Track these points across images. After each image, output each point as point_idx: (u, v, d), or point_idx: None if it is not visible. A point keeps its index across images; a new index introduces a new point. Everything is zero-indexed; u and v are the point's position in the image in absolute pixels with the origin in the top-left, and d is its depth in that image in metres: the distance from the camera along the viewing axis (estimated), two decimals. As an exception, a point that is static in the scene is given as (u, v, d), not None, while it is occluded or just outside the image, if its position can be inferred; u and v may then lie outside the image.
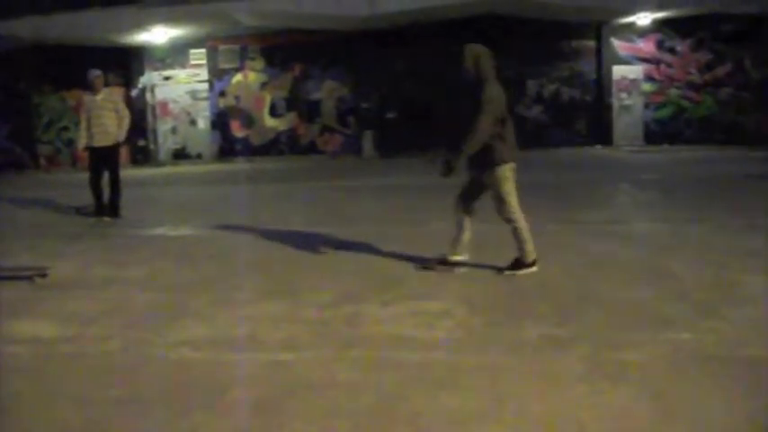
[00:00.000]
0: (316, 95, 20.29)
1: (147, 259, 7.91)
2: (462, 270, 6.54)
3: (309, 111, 20.38)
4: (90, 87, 10.86)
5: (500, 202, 6.31)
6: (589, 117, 20.35)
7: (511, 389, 3.85)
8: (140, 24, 18.45)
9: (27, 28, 18.17)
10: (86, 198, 11.13)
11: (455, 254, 6.56)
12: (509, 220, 6.30)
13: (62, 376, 4.51)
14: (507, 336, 4.72)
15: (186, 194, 13.70)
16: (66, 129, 21.94)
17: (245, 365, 4.50)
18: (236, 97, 20.93)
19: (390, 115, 19.86)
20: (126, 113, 10.94)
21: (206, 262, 7.58)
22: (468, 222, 6.54)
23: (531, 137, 19.09)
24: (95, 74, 10.86)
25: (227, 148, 21.02)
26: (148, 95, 21.04)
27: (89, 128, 10.67)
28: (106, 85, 11.30)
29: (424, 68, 19.20)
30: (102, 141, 10.64)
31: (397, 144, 19.35)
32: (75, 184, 15.80)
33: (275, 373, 4.30)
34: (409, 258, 7.08)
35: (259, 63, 20.77)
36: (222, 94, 21.04)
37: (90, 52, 19.39)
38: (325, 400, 3.84)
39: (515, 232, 6.30)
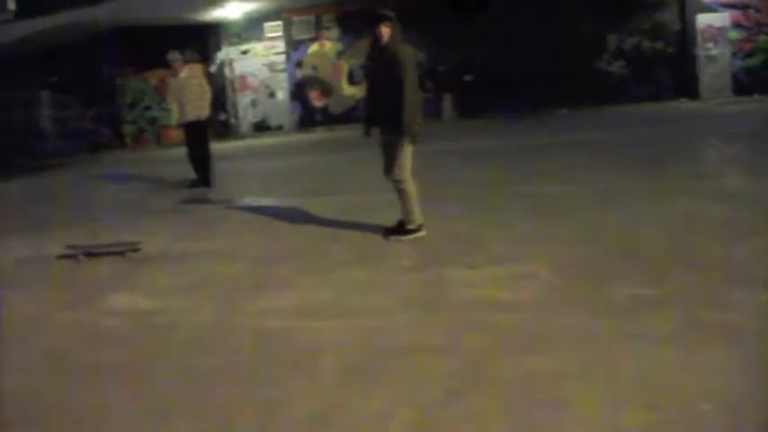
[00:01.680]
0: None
1: (233, 232, 8.05)
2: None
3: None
4: (174, 66, 11.42)
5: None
6: (673, 70, 19.64)
7: (599, 351, 3.79)
8: (215, 1, 18.60)
9: (106, 12, 18.49)
10: (180, 172, 11.46)
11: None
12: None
13: (157, 347, 4.64)
14: (595, 297, 4.64)
15: (268, 166, 13.83)
16: (148, 108, 22.38)
17: (333, 332, 4.54)
18: (314, 67, 20.98)
19: (468, 78, 19.66)
20: (207, 89, 11.50)
21: (290, 232, 7.66)
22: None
23: (613, 92, 18.65)
24: (175, 57, 11.44)
25: (307, 119, 21.12)
26: (227, 70, 21.27)
27: (179, 106, 11.27)
28: (185, 62, 11.67)
29: (501, 28, 18.94)
30: (191, 117, 11.25)
31: (476, 106, 19.17)
32: (160, 161, 16.17)
33: (363, 339, 4.34)
34: (490, 222, 7.01)
35: (334, 32, 20.76)
36: (299, 64, 21.12)
37: (168, 32, 19.68)
38: (414, 365, 3.86)
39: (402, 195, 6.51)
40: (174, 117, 11.67)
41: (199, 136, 11.47)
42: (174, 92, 11.49)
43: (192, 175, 11.67)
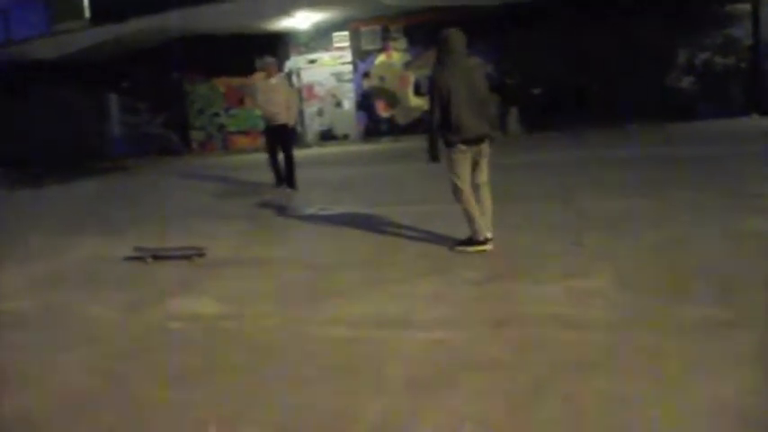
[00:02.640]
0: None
1: (301, 239, 8.06)
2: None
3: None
4: (266, 72, 11.92)
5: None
6: (745, 86, 19.17)
7: (671, 372, 3.69)
8: (284, 10, 18.75)
9: (177, 20, 18.77)
10: (248, 178, 11.58)
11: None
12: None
13: (225, 351, 4.65)
14: (665, 316, 4.52)
15: (336, 175, 13.86)
16: (216, 115, 22.66)
17: (400, 344, 4.51)
18: (381, 77, 21.02)
19: (535, 91, 19.48)
20: (295, 96, 11.78)
21: (357, 241, 7.65)
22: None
23: (683, 108, 18.23)
24: (270, 60, 11.99)
25: (373, 128, 21.16)
26: (294, 79, 21.41)
27: (269, 109, 11.73)
28: (254, 71, 12.17)
29: (569, 42, 18.71)
30: (281, 121, 11.67)
31: (542, 120, 18.95)
32: (227, 167, 16.32)
33: (430, 352, 4.31)
34: (558, 236, 6.89)
35: (402, 42, 20.77)
36: (366, 74, 21.17)
37: (237, 40, 19.93)
38: (481, 380, 3.82)
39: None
40: (266, 119, 11.94)
41: (286, 140, 11.84)
42: (262, 94, 11.84)
43: (270, 179, 12.09)
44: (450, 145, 6.56)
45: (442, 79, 6.52)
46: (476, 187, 6.69)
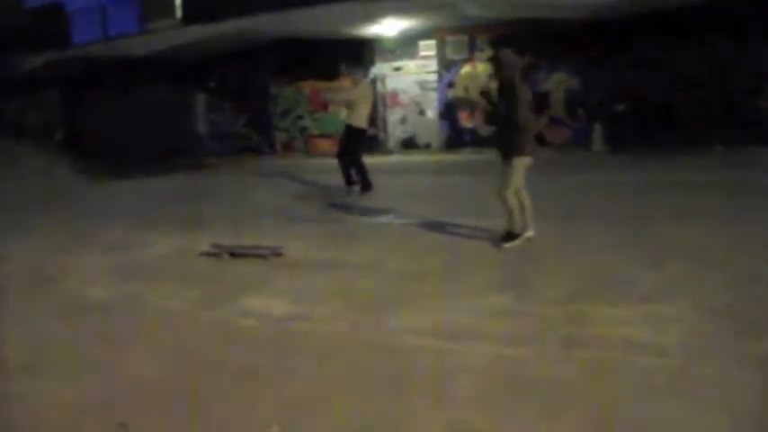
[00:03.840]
0: (545, 86, 19.90)
1: (375, 245, 8.04)
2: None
3: (538, 102, 19.88)
4: (358, 79, 12.56)
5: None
6: None
7: (746, 405, 3.57)
8: (372, 17, 18.81)
9: (267, 23, 19.00)
10: (328, 182, 12.22)
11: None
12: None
13: (291, 352, 4.69)
14: (743, 347, 4.40)
15: (414, 183, 13.85)
16: (300, 117, 22.83)
17: (467, 357, 4.50)
18: (465, 88, 20.91)
19: (620, 107, 19.10)
20: (372, 105, 12.88)
21: (432, 251, 7.63)
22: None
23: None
24: (346, 69, 12.79)
25: (455, 139, 21.04)
26: (379, 86, 21.47)
27: (354, 112, 12.12)
28: (339, 76, 12.60)
29: (656, 59, 18.32)
30: (362, 125, 12.15)
31: (626, 138, 18.58)
32: (308, 170, 16.47)
33: (499, 367, 4.30)
34: (637, 259, 6.74)
35: (487, 54, 20.60)
36: (451, 84, 21.06)
37: (324, 45, 20.08)
38: (548, 400, 3.81)
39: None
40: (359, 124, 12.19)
41: (359, 144, 12.23)
42: (365, 98, 12.19)
43: (354, 183, 12.32)
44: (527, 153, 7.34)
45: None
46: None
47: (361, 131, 12.13)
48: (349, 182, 12.17)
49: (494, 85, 7.47)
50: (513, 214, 7.38)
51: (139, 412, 3.85)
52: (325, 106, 21.66)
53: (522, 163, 7.29)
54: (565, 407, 3.66)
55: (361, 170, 12.11)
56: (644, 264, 6.52)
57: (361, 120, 12.00)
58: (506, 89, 7.22)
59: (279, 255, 7.43)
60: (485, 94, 7.58)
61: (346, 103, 12.30)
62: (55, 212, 11.77)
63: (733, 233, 7.60)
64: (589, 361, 4.27)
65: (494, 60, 7.46)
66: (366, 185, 12.09)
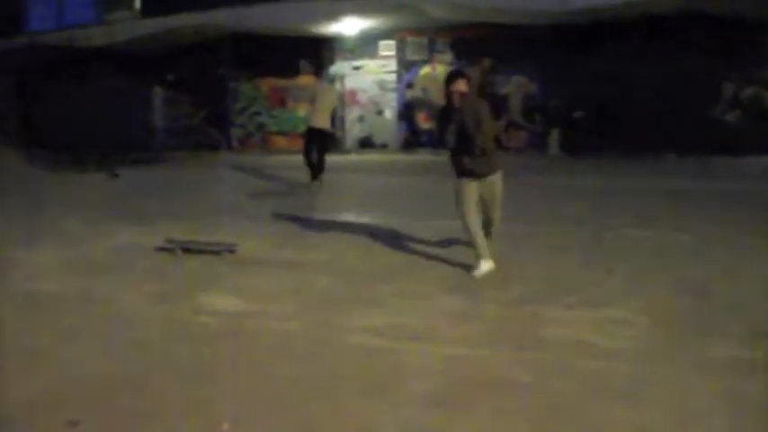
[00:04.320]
0: (504, 89, 20.01)
1: (331, 244, 8.04)
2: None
3: (496, 106, 19.95)
4: (317, 76, 13.49)
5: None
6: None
7: (695, 408, 3.67)
8: (333, 15, 18.81)
9: (226, 18, 18.92)
10: (285, 179, 11.95)
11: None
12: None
13: (243, 349, 4.68)
14: (692, 352, 4.47)
15: (371, 183, 13.88)
16: (257, 114, 22.74)
17: (420, 357, 4.52)
18: (424, 89, 20.98)
19: (578, 114, 19.31)
20: (335, 105, 13.49)
21: (388, 251, 7.64)
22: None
23: (726, 142, 17.80)
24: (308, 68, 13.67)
25: (413, 139, 21.10)
26: (338, 84, 21.45)
27: (313, 113, 12.34)
28: (299, 74, 12.65)
29: (614, 68, 18.53)
30: (322, 125, 12.30)
31: (583, 144, 18.77)
32: (265, 166, 16.39)
33: (452, 368, 4.33)
34: (592, 263, 6.82)
35: (447, 55, 20.71)
36: (410, 85, 21.12)
37: (283, 41, 20.00)
38: (499, 401, 3.83)
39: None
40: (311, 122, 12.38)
41: (323, 144, 12.40)
42: (317, 98, 12.30)
43: (305, 179, 12.48)
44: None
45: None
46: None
47: (322, 131, 12.22)
48: (315, 176, 12.34)
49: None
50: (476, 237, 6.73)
51: (90, 409, 3.81)
52: (283, 103, 21.61)
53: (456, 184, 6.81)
54: (516, 408, 3.70)
55: (320, 163, 12.30)
56: (598, 267, 6.61)
57: (323, 121, 12.12)
58: (473, 112, 6.54)
59: (232, 252, 7.39)
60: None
61: (310, 100, 12.42)
62: (6, 203, 11.58)
63: (686, 238, 7.74)
64: (540, 363, 4.31)
65: (460, 77, 6.64)
66: (315, 177, 12.34)
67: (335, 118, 12.65)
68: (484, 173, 6.63)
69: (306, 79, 12.49)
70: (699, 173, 13.83)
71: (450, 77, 6.58)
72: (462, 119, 6.44)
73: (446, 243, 7.73)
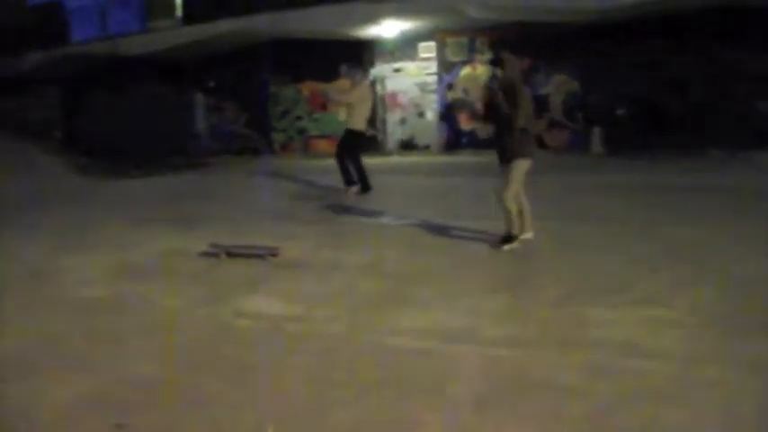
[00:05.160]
0: (544, 89, 19.90)
1: (373, 246, 8.04)
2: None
3: (537, 105, 19.75)
4: (357, 80, 12.43)
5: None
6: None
7: (746, 410, 3.55)
8: (372, 18, 18.79)
9: (266, 23, 19.00)
10: (327, 183, 12.74)
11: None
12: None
13: (288, 353, 4.69)
14: (742, 352, 4.38)
15: (413, 185, 13.83)
16: (299, 118, 22.80)
17: (465, 358, 4.49)
18: (465, 90, 20.89)
19: (620, 112, 19.08)
20: (372, 107, 13.05)
21: (430, 253, 7.62)
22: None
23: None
24: (357, 73, 12.64)
25: (454, 141, 20.99)
26: (379, 87, 21.44)
27: (354, 115, 12.16)
28: (339, 77, 12.78)
29: (657, 64, 18.29)
30: (360, 127, 12.21)
31: (626, 142, 18.55)
32: (307, 170, 16.43)
33: (494, 369, 4.30)
34: (636, 261, 6.73)
35: (487, 56, 20.57)
36: (450, 86, 21.04)
37: (323, 46, 20.04)
38: (543, 402, 3.79)
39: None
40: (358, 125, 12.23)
41: (357, 146, 12.26)
42: (354, 100, 12.13)
43: (354, 183, 12.28)
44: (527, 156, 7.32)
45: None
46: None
47: (360, 134, 12.16)
48: (348, 182, 12.13)
49: (493, 88, 7.43)
50: (511, 216, 7.35)
51: (137, 412, 3.84)
52: (323, 107, 21.66)
53: (522, 166, 7.27)
54: (561, 410, 3.65)
55: (360, 171, 12.10)
56: (643, 266, 6.52)
57: (359, 122, 12.03)
58: (507, 92, 7.20)
59: (276, 255, 7.42)
60: (486, 90, 7.60)
61: (346, 104, 12.28)
62: (53, 210, 11.75)
63: (732, 236, 7.61)
64: (586, 364, 4.25)
65: (495, 62, 7.54)
66: (365, 186, 12.08)
67: (375, 119, 12.45)
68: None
69: (344, 83, 12.31)
70: (744, 169, 13.59)
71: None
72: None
73: (485, 241, 7.69)
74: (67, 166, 18.55)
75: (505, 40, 19.59)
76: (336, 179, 12.15)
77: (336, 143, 12.64)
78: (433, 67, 21.14)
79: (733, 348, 4.42)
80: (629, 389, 3.86)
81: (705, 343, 4.56)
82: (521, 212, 7.43)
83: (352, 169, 12.11)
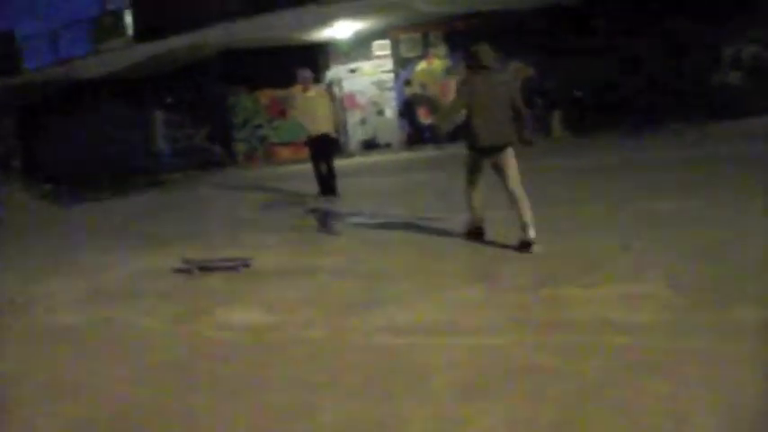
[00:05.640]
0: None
1: (346, 248, 8.05)
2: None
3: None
4: (303, 85, 12.14)
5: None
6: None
7: (726, 377, 3.64)
8: (324, 20, 18.79)
9: (217, 35, 18.95)
10: (292, 189, 12.42)
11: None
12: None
13: (270, 362, 4.69)
14: (718, 320, 4.44)
15: (379, 183, 13.86)
16: (259, 126, 22.70)
17: (446, 351, 4.50)
18: (422, 85, 20.95)
19: (577, 93, 19.24)
20: (334, 108, 13.04)
21: (403, 249, 7.64)
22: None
23: (729, 106, 17.69)
24: (307, 75, 12.17)
25: (415, 137, 21.06)
26: (335, 89, 21.43)
27: (311, 122, 12.00)
28: (293, 83, 12.67)
29: (610, 43, 18.46)
30: (324, 130, 12.02)
31: (586, 124, 18.71)
32: (271, 178, 16.41)
33: (477, 358, 4.31)
34: (608, 239, 6.80)
35: (442, 49, 20.66)
36: (407, 82, 21.07)
37: (277, 52, 20.01)
38: (529, 386, 3.81)
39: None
40: (307, 131, 12.10)
41: (328, 150, 12.22)
42: (303, 108, 12.08)
43: (315, 188, 12.27)
44: (468, 149, 7.25)
45: (466, 89, 7.07)
46: (508, 194, 7.01)
47: (323, 136, 12.06)
48: (324, 190, 12.17)
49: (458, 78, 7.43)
50: (476, 209, 7.42)
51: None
52: (283, 114, 21.61)
53: (512, 152, 7.11)
54: (547, 391, 3.67)
55: (332, 175, 12.15)
56: (615, 243, 6.58)
57: (321, 125, 11.93)
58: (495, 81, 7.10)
59: (249, 266, 7.39)
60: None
61: (305, 108, 12.11)
62: (20, 239, 11.63)
63: (698, 205, 7.71)
64: (566, 344, 4.28)
65: (478, 54, 7.16)
66: (332, 190, 12.14)
67: (338, 122, 12.39)
68: None
69: (299, 88, 12.19)
70: (704, 140, 13.79)
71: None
72: None
73: (455, 233, 7.72)
74: (30, 195, 18.35)
75: (458, 31, 19.70)
76: (302, 184, 12.14)
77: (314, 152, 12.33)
78: (389, 64, 21.18)
79: (711, 318, 4.47)
80: (611, 365, 3.89)
81: (681, 313, 4.61)
82: (480, 202, 7.39)
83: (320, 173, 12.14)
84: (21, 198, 17.76)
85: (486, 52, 7.10)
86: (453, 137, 17.95)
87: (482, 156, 7.10)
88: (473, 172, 7.29)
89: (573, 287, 5.44)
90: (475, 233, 7.45)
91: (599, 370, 3.86)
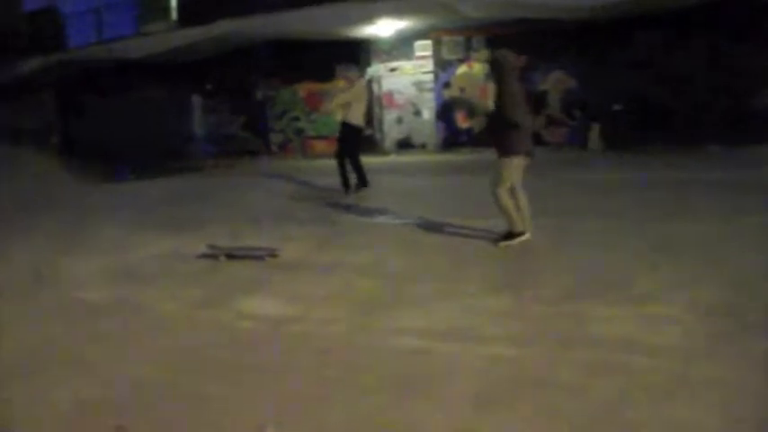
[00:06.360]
0: (542, 86, 19.83)
1: (372, 246, 8.03)
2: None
3: (535, 102, 19.79)
4: (347, 79, 12.44)
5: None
6: None
7: (746, 407, 3.56)
8: (368, 18, 18.76)
9: (261, 25, 18.97)
10: (325, 183, 12.89)
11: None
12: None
13: (290, 354, 4.68)
14: (741, 348, 4.36)
15: (412, 184, 13.82)
16: (296, 119, 22.78)
17: (465, 358, 4.48)
18: (461, 88, 20.87)
19: (617, 107, 19.06)
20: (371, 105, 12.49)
21: (429, 252, 7.62)
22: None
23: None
24: (352, 69, 12.80)
25: (452, 139, 21.01)
26: (375, 87, 21.42)
27: (351, 112, 12.16)
28: (334, 77, 12.57)
29: (653, 59, 18.28)
30: (357, 123, 12.21)
31: (623, 138, 18.53)
32: (305, 171, 16.43)
33: (495, 368, 4.28)
34: (635, 258, 6.72)
35: (484, 54, 20.58)
36: (447, 85, 21.02)
37: (319, 46, 20.04)
38: (545, 400, 3.79)
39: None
40: (349, 123, 12.18)
41: (358, 144, 12.35)
42: (345, 101, 12.15)
43: (352, 181, 12.37)
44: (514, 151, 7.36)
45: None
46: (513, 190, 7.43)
47: (358, 129, 12.16)
48: (346, 184, 12.18)
49: (491, 86, 7.52)
50: (509, 212, 7.35)
51: (137, 414, 3.84)
52: (317, 108, 21.66)
53: (512, 161, 7.30)
54: (563, 407, 3.64)
55: (358, 168, 12.15)
56: (641, 262, 6.50)
57: (356, 118, 12.01)
58: (501, 88, 7.25)
59: (274, 256, 7.41)
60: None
61: (343, 103, 12.19)
62: (51, 215, 11.74)
63: (731, 231, 7.59)
64: (586, 361, 4.24)
65: (489, 60, 7.61)
66: (362, 182, 12.18)
67: (372, 119, 12.42)
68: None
69: (341, 82, 12.32)
70: (742, 163, 13.58)
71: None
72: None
73: (484, 239, 7.68)
74: (66, 171, 18.52)
75: (501, 37, 19.58)
76: (336, 180, 12.14)
77: (337, 142, 12.58)
78: (430, 65, 21.12)
79: (731, 344, 4.41)
80: (628, 386, 3.85)
81: (703, 339, 4.54)
82: (518, 209, 7.40)
83: (350, 171, 12.14)
84: (55, 175, 17.93)
85: (511, 57, 7.44)
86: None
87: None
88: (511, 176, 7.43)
89: (596, 303, 5.38)
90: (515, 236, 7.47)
91: (616, 390, 3.82)
